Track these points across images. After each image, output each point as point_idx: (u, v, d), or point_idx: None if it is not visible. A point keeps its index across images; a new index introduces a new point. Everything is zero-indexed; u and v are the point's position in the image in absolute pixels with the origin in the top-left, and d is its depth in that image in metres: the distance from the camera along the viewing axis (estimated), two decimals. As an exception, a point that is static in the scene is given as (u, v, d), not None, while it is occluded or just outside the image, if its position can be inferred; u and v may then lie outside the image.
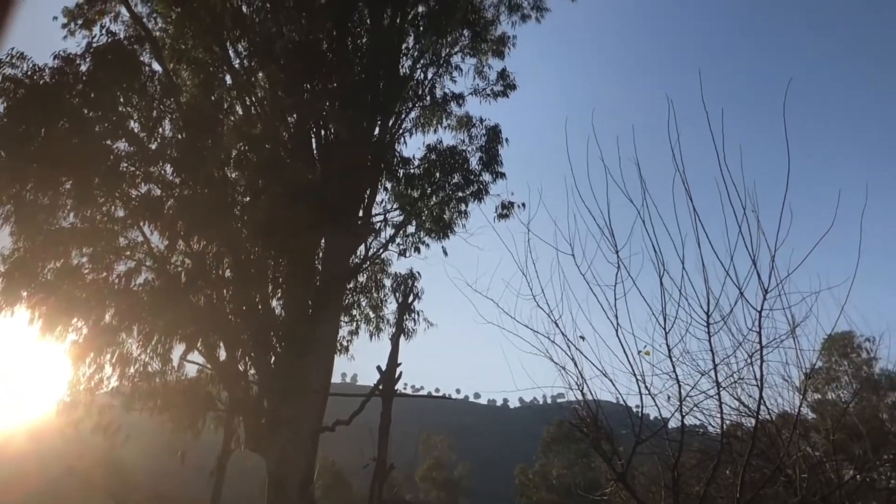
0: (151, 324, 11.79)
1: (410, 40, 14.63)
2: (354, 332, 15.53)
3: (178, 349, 12.19)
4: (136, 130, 12.42)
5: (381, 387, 12.22)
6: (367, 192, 13.85)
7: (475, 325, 6.45)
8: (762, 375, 5.22)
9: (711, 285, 5.21)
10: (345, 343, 15.25)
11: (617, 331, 5.49)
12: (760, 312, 5.10)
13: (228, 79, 13.67)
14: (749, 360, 5.32)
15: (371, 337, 15.59)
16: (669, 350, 5.39)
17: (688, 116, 5.55)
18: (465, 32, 15.34)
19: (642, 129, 5.89)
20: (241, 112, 13.54)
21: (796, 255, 5.05)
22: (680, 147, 5.34)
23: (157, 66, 13.12)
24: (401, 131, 14.66)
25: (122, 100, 12.32)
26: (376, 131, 13.98)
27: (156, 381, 12.39)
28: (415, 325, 14.15)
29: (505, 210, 14.15)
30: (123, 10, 13.97)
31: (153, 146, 12.46)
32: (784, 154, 5.14)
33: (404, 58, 14.51)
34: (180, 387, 12.70)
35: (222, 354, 12.47)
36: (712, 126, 5.09)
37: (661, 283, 5.39)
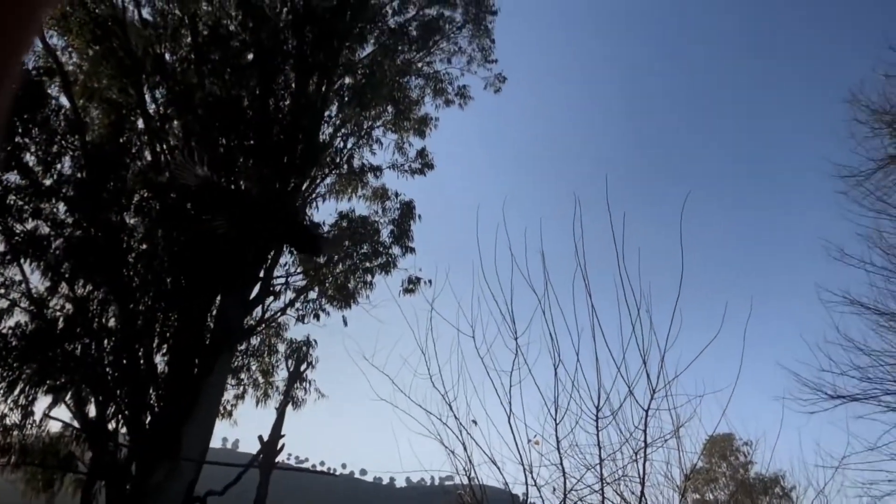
0: (17, 371, 10.85)
1: (334, 108, 14.83)
2: (240, 397, 14.86)
3: (45, 401, 11.24)
4: (31, 164, 11.75)
5: (260, 457, 11.64)
6: (272, 253, 13.59)
7: (368, 400, 6.34)
8: (644, 474, 5.36)
9: (603, 380, 5.38)
10: (229, 407, 14.53)
11: (509, 418, 5.54)
12: (647, 411, 5.28)
13: (141, 123, 13.29)
14: (634, 458, 5.46)
15: (258, 403, 14.96)
16: (558, 441, 5.47)
17: (595, 214, 5.85)
18: (389, 109, 15.73)
19: (551, 221, 6.15)
20: (149, 158, 13.12)
21: (685, 358, 5.32)
22: (583, 243, 5.60)
23: (65, 101, 12.60)
24: (314, 196, 14.62)
25: (20, 130, 11.68)
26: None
27: (13, 436, 11.29)
28: (305, 394, 13.74)
29: (411, 285, 14.22)
30: (37, 40, 13.46)
31: (48, 182, 11.81)
32: (681, 260, 5.48)
33: (326, 125, 14.65)
34: (40, 443, 11.62)
35: (92, 411, 11.57)
36: (614, 227, 5.39)
37: (556, 374, 5.52)
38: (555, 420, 5.45)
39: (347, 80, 14.92)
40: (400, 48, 15.86)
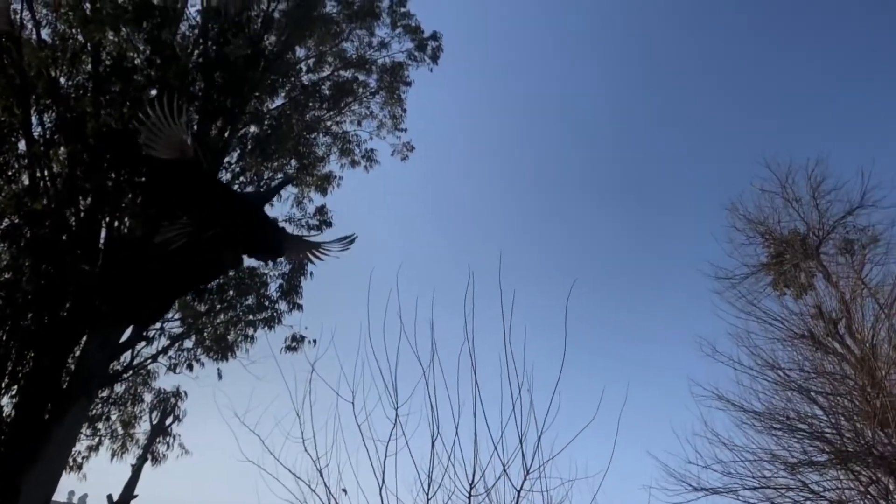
0: None
1: (235, 156, 14.61)
2: (95, 448, 13.71)
3: None
4: None
5: (109, 517, 10.72)
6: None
7: (236, 460, 6.04)
8: (511, 555, 5.35)
9: (480, 457, 5.40)
10: (80, 459, 13.35)
11: (381, 489, 5.43)
12: (520, 492, 5.33)
13: (23, 145, 12.51)
14: (503, 538, 5.45)
15: (114, 456, 13.84)
16: (429, 516, 5.40)
17: (488, 288, 5.98)
18: (293, 162, 15.67)
19: (445, 292, 6.25)
20: (27, 182, 12.31)
21: (561, 440, 5.44)
22: (474, 317, 5.71)
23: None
24: (205, 241, 14.14)
25: None
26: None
27: None
28: (168, 449, 12.86)
29: (295, 343, 13.87)
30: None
31: None
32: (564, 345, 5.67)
33: (224, 171, 14.37)
34: None
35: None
36: (504, 303, 5.54)
37: (433, 447, 5.49)
38: (427, 494, 5.40)
39: (253, 128, 14.79)
40: (311, 104, 15.98)
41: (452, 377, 5.56)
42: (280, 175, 15.47)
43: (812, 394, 13.31)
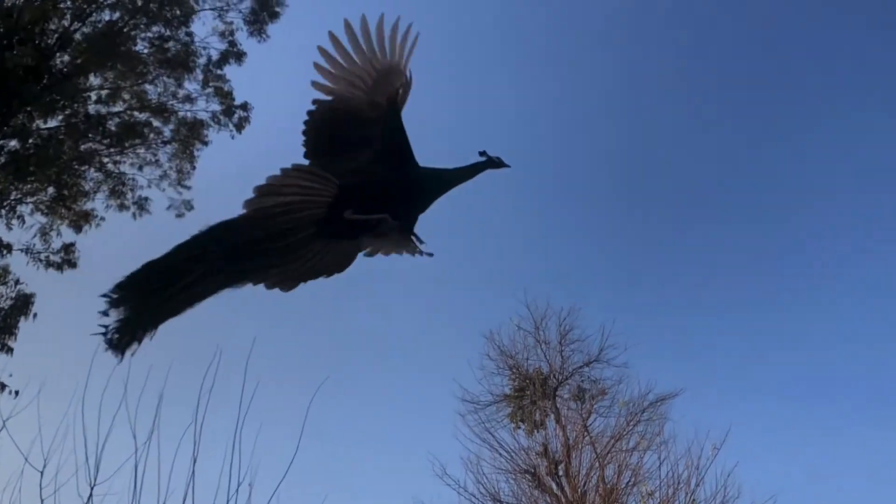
0: None
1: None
2: None
3: None
4: None
5: None
6: None
7: None
8: None
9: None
10: None
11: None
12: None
13: None
14: None
15: None
16: None
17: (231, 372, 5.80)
18: (51, 189, 14.26)
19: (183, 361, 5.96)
20: None
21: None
22: (209, 397, 5.48)
23: None
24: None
25: None
26: None
27: None
28: None
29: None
30: None
31: None
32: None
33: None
34: None
35: None
36: (244, 393, 5.42)
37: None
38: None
39: (13, 143, 13.32)
40: (91, 136, 14.84)
41: (171, 460, 5.23)
42: (31, 200, 13.95)
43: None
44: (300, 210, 2.93)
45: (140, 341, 2.93)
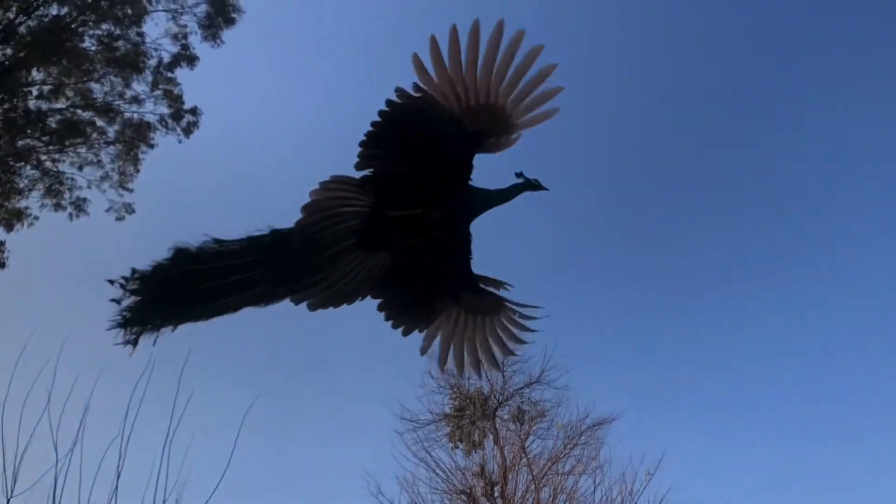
0: None
1: None
2: None
3: None
4: None
5: None
6: None
7: None
8: None
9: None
10: None
11: None
12: None
13: None
14: None
15: None
16: None
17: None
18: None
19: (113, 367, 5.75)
20: None
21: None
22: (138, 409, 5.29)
23: None
24: None
25: None
26: None
27: None
28: None
29: None
30: None
31: None
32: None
33: None
34: None
35: None
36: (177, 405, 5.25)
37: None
38: None
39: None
40: (29, 132, 14.30)
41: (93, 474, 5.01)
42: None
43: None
44: (339, 222, 2.84)
45: (157, 330, 2.75)
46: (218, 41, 16.61)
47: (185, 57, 16.66)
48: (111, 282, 2.72)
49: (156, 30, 16.24)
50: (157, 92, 16.69)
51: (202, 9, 16.37)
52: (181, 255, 2.79)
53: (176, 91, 17.00)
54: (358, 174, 2.75)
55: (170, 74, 16.83)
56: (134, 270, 2.74)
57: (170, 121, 16.89)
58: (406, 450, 16.06)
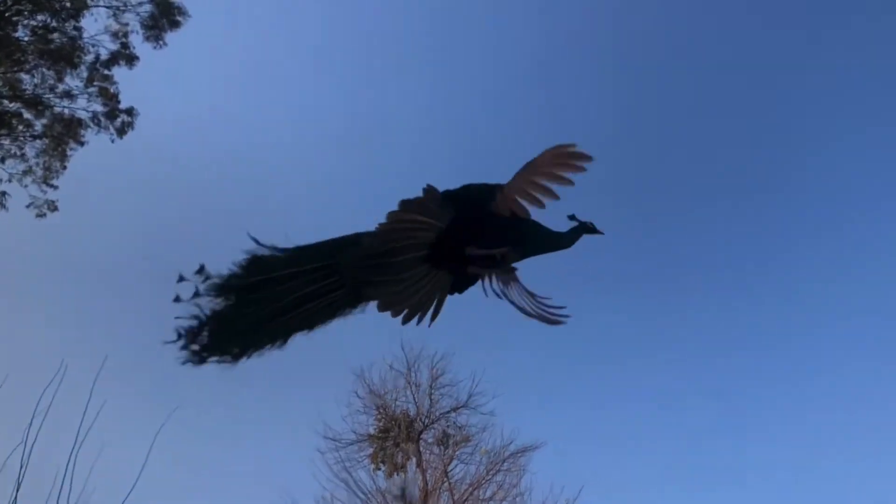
0: None
1: None
2: None
3: None
4: None
5: None
6: None
7: None
8: None
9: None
10: None
11: None
12: None
13: None
14: None
15: None
16: None
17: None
18: None
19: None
20: None
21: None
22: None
23: None
24: None
25: None
26: None
27: None
28: None
29: None
30: None
31: None
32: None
33: None
34: None
35: None
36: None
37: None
38: None
39: None
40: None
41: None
42: None
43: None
44: (414, 232, 2.87)
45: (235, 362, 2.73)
46: (161, 43, 16.28)
47: (125, 56, 16.24)
48: (182, 279, 2.65)
49: (95, 25, 15.82)
50: (92, 88, 16.19)
51: (146, 8, 16.05)
52: (254, 264, 2.75)
53: (112, 89, 16.52)
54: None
55: (106, 72, 16.36)
56: (202, 266, 2.68)
57: (103, 119, 16.38)
58: (327, 469, 15.81)
